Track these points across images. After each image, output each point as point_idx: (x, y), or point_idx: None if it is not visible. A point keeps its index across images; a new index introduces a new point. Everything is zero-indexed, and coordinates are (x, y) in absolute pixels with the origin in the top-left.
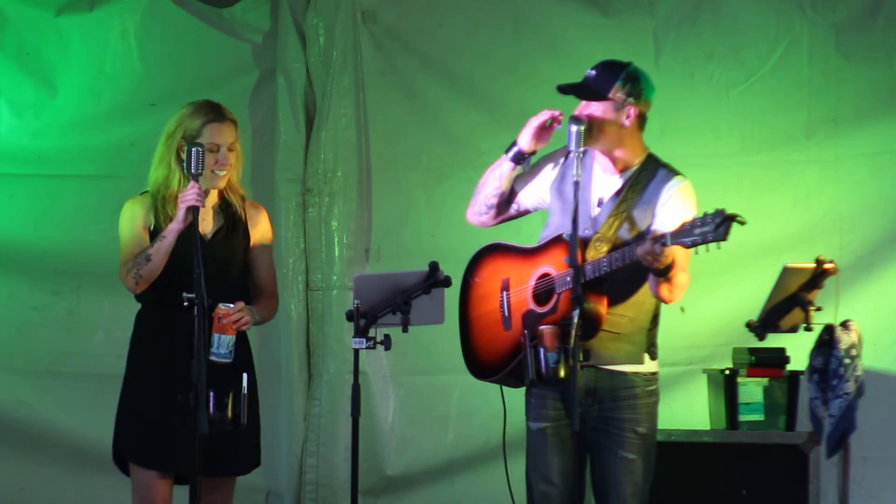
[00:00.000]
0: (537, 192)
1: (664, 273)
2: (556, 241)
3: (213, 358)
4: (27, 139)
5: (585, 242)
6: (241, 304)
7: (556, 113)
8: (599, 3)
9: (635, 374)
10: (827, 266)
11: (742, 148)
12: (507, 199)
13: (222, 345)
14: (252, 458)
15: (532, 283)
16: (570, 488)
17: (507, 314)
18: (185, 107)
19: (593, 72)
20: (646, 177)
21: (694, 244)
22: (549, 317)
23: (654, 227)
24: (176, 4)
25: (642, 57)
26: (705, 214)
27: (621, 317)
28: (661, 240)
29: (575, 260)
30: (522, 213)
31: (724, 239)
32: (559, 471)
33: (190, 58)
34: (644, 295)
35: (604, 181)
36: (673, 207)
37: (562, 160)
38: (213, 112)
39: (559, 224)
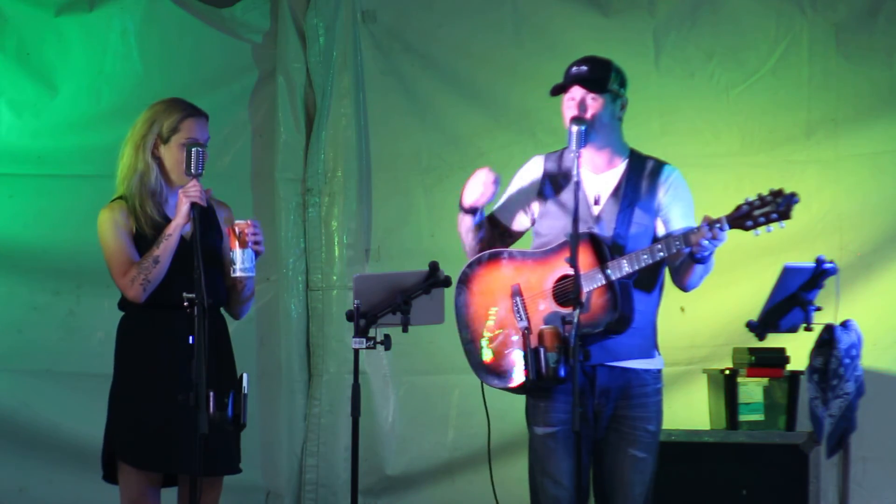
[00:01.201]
0: (524, 213)
1: (708, 259)
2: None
3: (239, 274)
4: (27, 139)
5: (604, 241)
6: (256, 222)
7: (494, 177)
8: (599, 3)
9: (647, 371)
10: (827, 266)
11: (742, 148)
12: (501, 234)
13: (246, 258)
14: (237, 459)
15: (549, 286)
16: (577, 489)
17: (524, 319)
18: (155, 105)
19: (584, 67)
20: (638, 170)
21: (756, 225)
22: (580, 315)
23: (661, 216)
24: (176, 4)
25: (642, 57)
26: (760, 196)
27: (642, 312)
28: (716, 224)
29: (575, 260)
30: (519, 236)
31: (789, 218)
32: (570, 473)
33: (190, 58)
34: (652, 286)
35: (596, 179)
36: (676, 194)
37: (540, 171)
38: (191, 107)
39: (559, 226)
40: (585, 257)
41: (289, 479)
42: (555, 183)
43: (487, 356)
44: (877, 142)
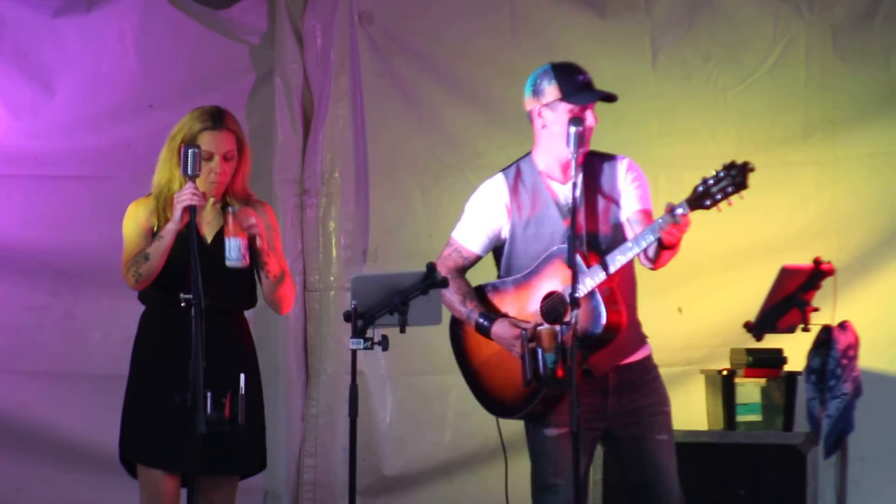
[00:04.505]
0: (492, 237)
1: (677, 244)
2: (551, 257)
3: (227, 263)
4: (25, 140)
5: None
6: (251, 211)
7: None
8: (596, 4)
9: (646, 358)
10: (824, 267)
11: (739, 149)
12: (472, 263)
13: (233, 248)
14: (255, 460)
15: (537, 307)
16: (577, 488)
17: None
18: (192, 111)
19: (588, 75)
20: (590, 168)
21: (715, 202)
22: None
23: (620, 205)
24: (173, 6)
25: (639, 58)
26: (716, 172)
27: (628, 307)
28: (677, 209)
29: (573, 261)
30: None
31: (746, 187)
32: (584, 472)
33: (187, 59)
34: (633, 278)
35: (563, 189)
36: (634, 181)
37: (504, 191)
38: (212, 120)
39: (536, 246)
40: (563, 270)
41: (287, 480)
42: (521, 201)
43: (499, 390)
44: (874, 143)
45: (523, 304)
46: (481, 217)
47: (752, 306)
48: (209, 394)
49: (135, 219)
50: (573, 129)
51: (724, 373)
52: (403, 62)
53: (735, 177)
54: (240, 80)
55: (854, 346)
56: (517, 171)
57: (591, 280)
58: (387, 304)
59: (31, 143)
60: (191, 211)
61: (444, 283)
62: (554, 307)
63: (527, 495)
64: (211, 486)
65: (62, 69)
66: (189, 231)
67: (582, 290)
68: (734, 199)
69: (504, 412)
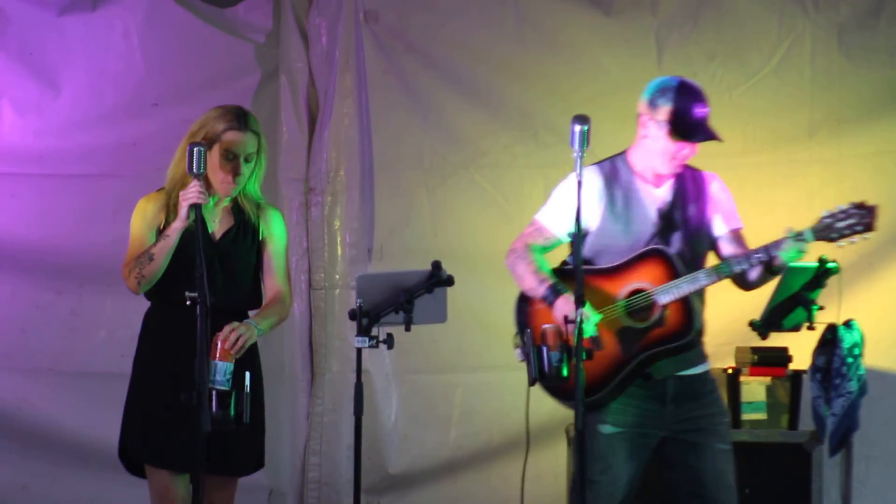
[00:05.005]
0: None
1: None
2: (648, 255)
3: (211, 386)
4: (30, 139)
5: (675, 254)
6: (233, 325)
7: None
8: (602, 2)
9: (706, 373)
10: (829, 265)
11: (744, 148)
12: (552, 245)
13: (219, 371)
14: (255, 459)
15: (621, 299)
16: (579, 490)
17: (596, 335)
18: (214, 109)
19: (708, 108)
20: (681, 181)
21: (842, 237)
22: (656, 330)
23: (711, 220)
24: (178, 4)
25: (644, 57)
26: (842, 207)
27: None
28: (800, 237)
29: (579, 260)
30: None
31: (873, 230)
32: (629, 475)
33: (192, 58)
34: (703, 292)
35: (653, 193)
36: (723, 198)
37: (596, 184)
38: (237, 120)
39: (621, 243)
40: (657, 271)
41: (292, 478)
42: (614, 196)
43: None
44: (880, 141)
45: (607, 294)
46: (572, 204)
47: (757, 305)
48: (213, 392)
49: (143, 215)
50: (577, 128)
51: (730, 371)
52: (409, 60)
53: (864, 216)
54: (245, 78)
55: (859, 344)
56: (612, 168)
57: (689, 286)
58: (392, 303)
59: (36, 142)
60: (197, 210)
61: (448, 282)
62: (637, 304)
63: (534, 496)
64: (213, 486)
65: (67, 67)
66: (196, 228)
67: (676, 294)
68: (858, 238)
69: (570, 395)
